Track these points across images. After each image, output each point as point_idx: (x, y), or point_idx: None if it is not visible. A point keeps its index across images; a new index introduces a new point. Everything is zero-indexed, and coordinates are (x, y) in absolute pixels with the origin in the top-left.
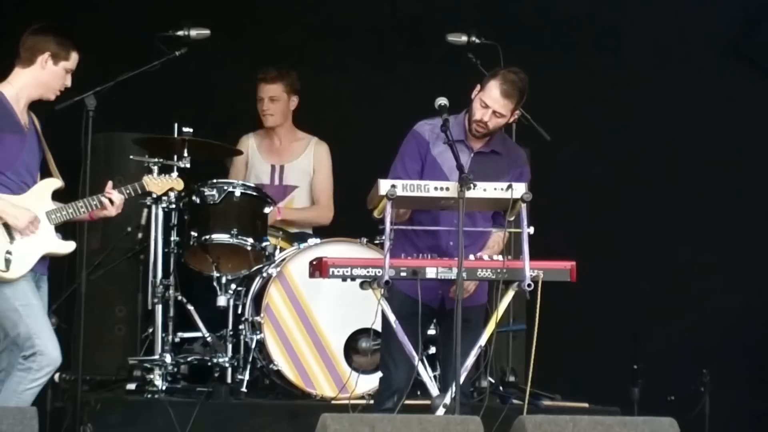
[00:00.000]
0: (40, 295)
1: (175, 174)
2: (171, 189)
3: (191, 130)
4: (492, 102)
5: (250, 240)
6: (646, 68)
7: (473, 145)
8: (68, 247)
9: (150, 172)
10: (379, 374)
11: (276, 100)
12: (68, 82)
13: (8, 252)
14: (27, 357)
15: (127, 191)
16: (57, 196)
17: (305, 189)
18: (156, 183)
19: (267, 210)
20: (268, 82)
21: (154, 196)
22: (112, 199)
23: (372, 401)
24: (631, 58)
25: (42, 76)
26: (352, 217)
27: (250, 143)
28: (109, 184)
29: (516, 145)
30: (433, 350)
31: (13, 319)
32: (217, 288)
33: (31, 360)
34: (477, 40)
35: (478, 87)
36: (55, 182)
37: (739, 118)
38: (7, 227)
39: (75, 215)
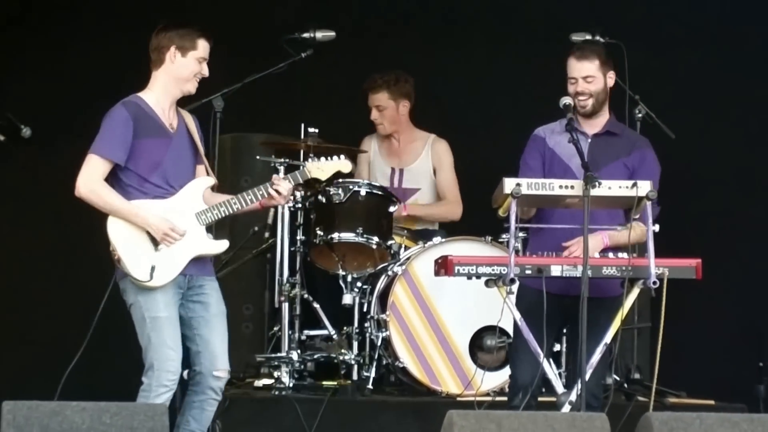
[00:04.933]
0: (207, 298)
1: (342, 156)
2: (338, 173)
3: (317, 130)
4: (575, 71)
5: (376, 238)
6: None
7: (587, 130)
8: (220, 246)
9: (276, 172)
10: (503, 371)
11: (383, 108)
12: (204, 71)
13: (153, 260)
14: (145, 371)
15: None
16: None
17: (427, 191)
18: (320, 168)
19: (392, 209)
20: (372, 91)
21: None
22: (279, 190)
23: (497, 398)
24: (754, 55)
25: (174, 72)
26: (476, 215)
27: (372, 145)
28: (275, 176)
29: (634, 131)
30: (557, 348)
31: (141, 328)
32: (343, 286)
33: (147, 375)
34: (602, 39)
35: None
36: (207, 181)
37: None
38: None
39: (227, 212)
